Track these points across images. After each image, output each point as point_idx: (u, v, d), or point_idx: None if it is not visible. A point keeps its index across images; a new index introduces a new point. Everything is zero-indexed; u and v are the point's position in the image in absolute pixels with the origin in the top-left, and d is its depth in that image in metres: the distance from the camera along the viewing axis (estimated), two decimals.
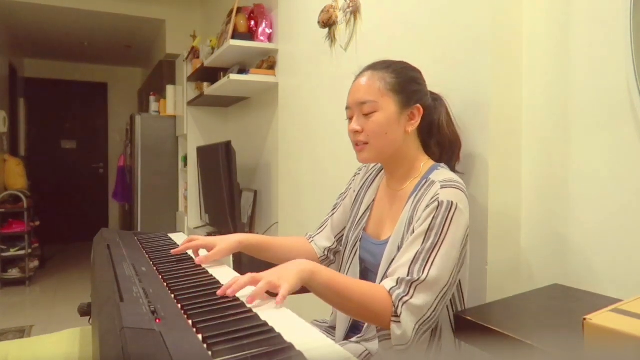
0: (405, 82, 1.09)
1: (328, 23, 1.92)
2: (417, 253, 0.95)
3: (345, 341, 1.14)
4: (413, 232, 0.99)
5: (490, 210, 1.18)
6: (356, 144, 1.11)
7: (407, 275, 0.93)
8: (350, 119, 1.12)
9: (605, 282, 1.04)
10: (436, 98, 1.18)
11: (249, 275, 0.84)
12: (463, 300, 1.07)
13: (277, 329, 0.66)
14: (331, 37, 1.94)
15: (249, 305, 0.78)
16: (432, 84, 1.28)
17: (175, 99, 3.93)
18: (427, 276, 0.92)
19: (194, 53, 3.52)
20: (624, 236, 1.00)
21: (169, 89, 3.95)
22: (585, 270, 1.08)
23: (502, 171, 1.20)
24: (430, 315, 0.93)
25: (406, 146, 1.11)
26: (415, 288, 0.92)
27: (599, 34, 1.06)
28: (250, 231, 2.96)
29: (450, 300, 1.05)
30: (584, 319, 0.66)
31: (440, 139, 1.16)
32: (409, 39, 1.48)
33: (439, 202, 0.97)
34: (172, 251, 1.16)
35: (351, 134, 1.11)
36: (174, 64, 4.15)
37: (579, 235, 1.10)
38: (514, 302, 1.03)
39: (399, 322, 0.90)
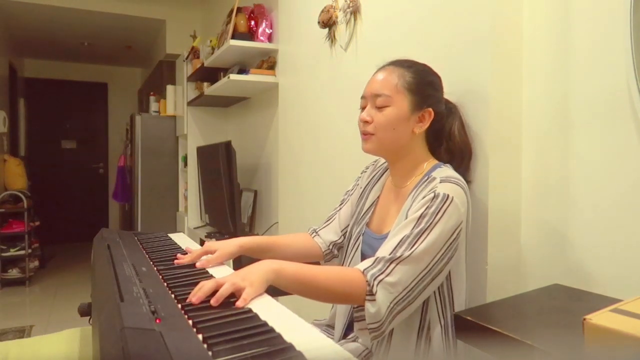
0: (422, 84, 1.10)
1: (328, 23, 1.92)
2: (404, 237, 0.96)
3: (344, 340, 1.14)
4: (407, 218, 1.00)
5: (491, 210, 1.18)
6: (363, 133, 1.13)
7: (389, 254, 0.94)
8: (362, 108, 1.14)
9: (605, 282, 1.04)
10: (451, 107, 1.20)
11: (213, 280, 0.82)
12: (453, 305, 1.05)
13: (277, 329, 0.66)
14: (331, 37, 1.94)
15: (248, 306, 0.78)
16: None
17: (175, 99, 3.93)
18: (409, 255, 0.93)
19: (194, 53, 3.52)
20: (624, 236, 1.00)
21: (169, 89, 3.95)
22: (585, 270, 1.08)
23: (502, 171, 1.20)
24: (405, 295, 0.94)
25: (411, 146, 1.12)
26: (394, 266, 0.93)
27: (599, 34, 1.06)
28: (251, 231, 2.96)
29: (440, 302, 1.04)
30: (584, 319, 0.66)
31: (451, 146, 1.18)
32: (409, 38, 1.48)
33: (435, 193, 0.99)
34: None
35: (360, 123, 1.13)
36: (174, 64, 4.15)
37: (579, 235, 1.10)
38: (514, 302, 1.03)
39: (374, 300, 0.91)
